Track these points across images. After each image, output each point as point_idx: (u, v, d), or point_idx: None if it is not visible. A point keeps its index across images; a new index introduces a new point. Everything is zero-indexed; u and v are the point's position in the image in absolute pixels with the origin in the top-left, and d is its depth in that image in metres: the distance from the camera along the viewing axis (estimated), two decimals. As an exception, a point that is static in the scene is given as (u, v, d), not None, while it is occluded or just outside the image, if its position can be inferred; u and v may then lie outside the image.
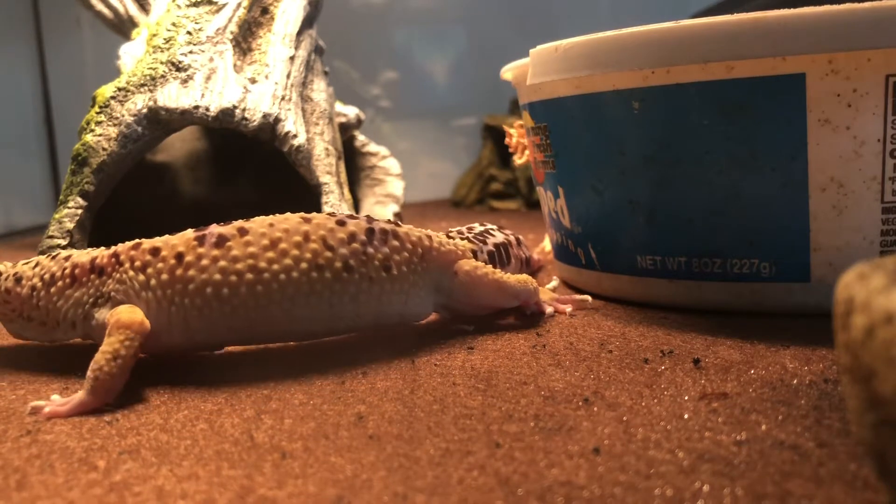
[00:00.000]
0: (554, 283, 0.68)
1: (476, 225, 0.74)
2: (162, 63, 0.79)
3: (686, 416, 0.41)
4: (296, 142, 0.77)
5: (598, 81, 0.62)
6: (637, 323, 0.61)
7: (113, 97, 0.77)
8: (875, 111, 0.54)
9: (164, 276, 0.51)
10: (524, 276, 0.63)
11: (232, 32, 0.83)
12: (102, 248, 0.55)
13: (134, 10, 0.99)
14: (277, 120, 0.77)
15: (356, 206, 1.08)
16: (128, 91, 0.77)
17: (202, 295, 0.51)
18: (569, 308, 0.65)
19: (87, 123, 0.76)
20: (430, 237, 0.59)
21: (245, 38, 0.85)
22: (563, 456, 0.37)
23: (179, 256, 0.51)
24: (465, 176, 1.83)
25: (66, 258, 0.55)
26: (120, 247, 0.54)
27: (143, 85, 0.78)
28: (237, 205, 1.03)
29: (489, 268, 0.61)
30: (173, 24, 0.84)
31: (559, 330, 0.60)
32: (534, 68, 0.68)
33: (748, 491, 0.33)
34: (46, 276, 0.54)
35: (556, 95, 0.67)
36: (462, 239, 0.66)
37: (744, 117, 0.57)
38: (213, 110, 0.75)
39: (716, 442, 0.38)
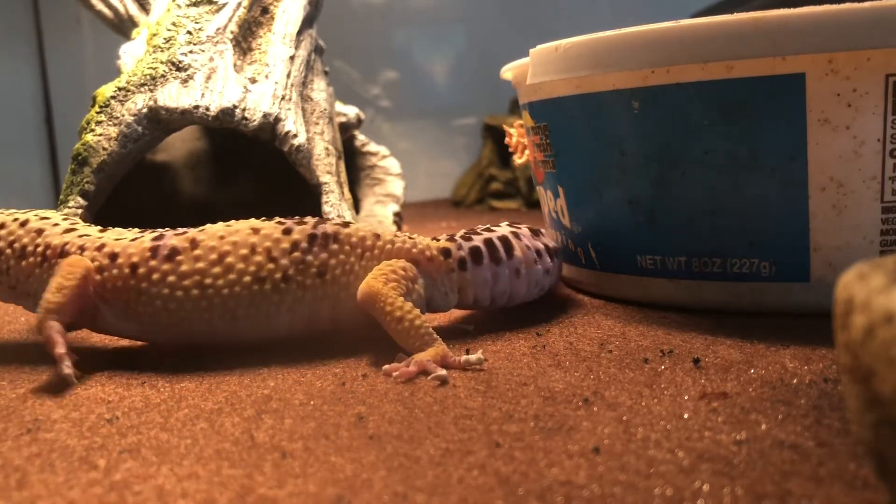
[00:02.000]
0: (477, 355, 0.52)
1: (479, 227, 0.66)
2: (162, 63, 0.79)
3: (686, 416, 0.41)
4: (296, 141, 0.77)
5: (598, 81, 0.63)
6: (637, 322, 0.62)
7: (113, 97, 0.77)
8: (875, 111, 0.54)
9: (119, 284, 0.54)
10: (410, 311, 0.52)
11: (232, 32, 0.83)
12: (76, 228, 0.57)
13: (134, 10, 0.99)
14: (277, 119, 0.77)
15: (356, 205, 1.08)
16: (128, 91, 0.77)
17: (152, 306, 0.53)
18: (442, 372, 0.49)
19: (88, 123, 0.76)
20: (377, 236, 0.57)
21: (245, 38, 0.85)
22: (562, 455, 0.37)
23: (133, 267, 0.53)
24: (465, 176, 1.83)
25: (38, 232, 0.57)
26: (87, 242, 0.55)
27: (143, 85, 0.78)
28: (237, 204, 1.03)
29: (379, 272, 0.54)
30: (173, 24, 0.84)
31: (559, 330, 0.60)
32: (534, 68, 0.68)
33: (748, 490, 0.33)
34: (17, 246, 0.56)
35: (555, 95, 0.67)
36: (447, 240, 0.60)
37: (744, 117, 0.57)
38: (214, 110, 0.75)
39: (716, 441, 0.38)
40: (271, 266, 0.53)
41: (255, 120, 0.76)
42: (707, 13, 1.35)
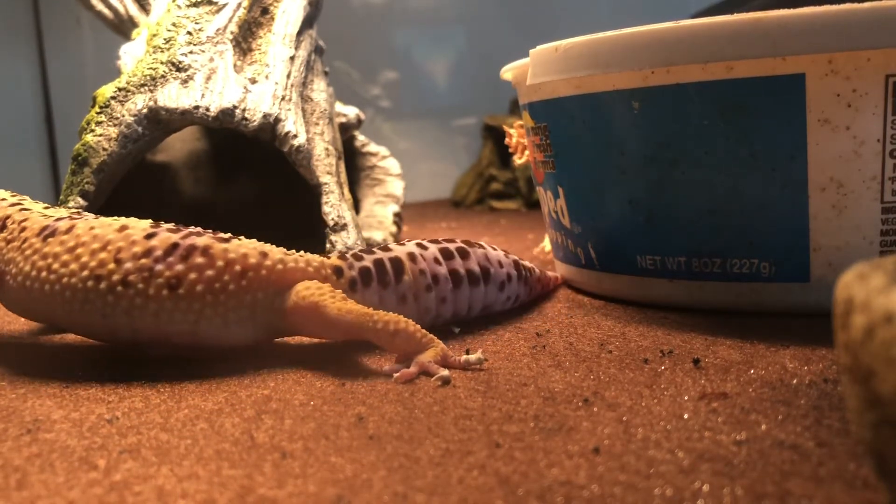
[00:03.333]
0: (477, 355, 0.52)
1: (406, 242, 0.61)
2: (162, 63, 0.79)
3: (686, 416, 0.41)
4: (296, 142, 0.77)
5: (598, 81, 0.63)
6: (637, 323, 0.61)
7: (113, 97, 0.77)
8: (875, 111, 0.54)
9: (8, 255, 0.56)
10: (396, 322, 0.51)
11: (232, 32, 0.83)
12: (22, 203, 0.60)
13: (134, 11, 0.99)
14: (277, 120, 0.77)
15: (356, 205, 1.08)
16: (128, 91, 0.77)
17: (16, 280, 0.55)
18: (444, 373, 0.49)
19: (88, 123, 0.76)
20: (265, 254, 0.54)
21: (245, 38, 0.85)
22: (562, 456, 0.37)
23: (24, 241, 0.55)
24: (465, 176, 1.83)
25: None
26: (17, 216, 0.57)
27: (143, 85, 0.78)
28: (237, 205, 1.03)
29: (328, 294, 0.53)
30: (173, 25, 0.84)
31: (559, 330, 0.60)
32: (534, 68, 0.68)
33: (748, 490, 0.33)
34: None
35: (556, 95, 0.67)
36: (339, 257, 0.58)
37: (743, 117, 0.57)
38: (214, 110, 0.75)
39: (715, 442, 0.38)
40: (112, 266, 0.52)
41: (255, 120, 0.76)
42: (707, 13, 1.35)
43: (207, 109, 0.76)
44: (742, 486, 0.33)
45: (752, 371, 0.48)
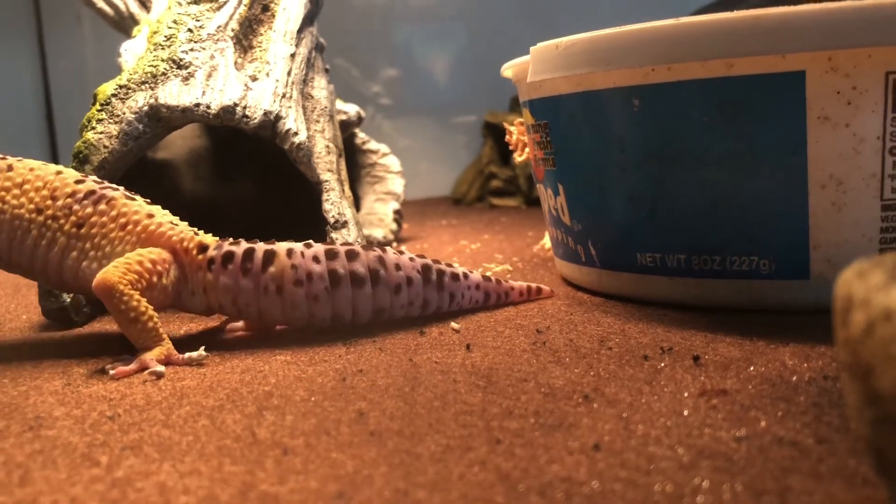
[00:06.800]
0: (199, 351, 0.55)
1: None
2: (163, 60, 0.79)
3: (686, 413, 0.41)
4: (297, 139, 0.77)
5: (599, 79, 0.63)
6: (637, 320, 0.62)
7: (114, 95, 0.77)
8: (875, 108, 0.55)
9: None
10: (139, 311, 0.54)
11: (233, 30, 0.83)
12: None
13: (135, 8, 0.99)
14: (278, 117, 0.77)
15: (357, 203, 1.08)
16: (129, 89, 0.77)
17: None
18: (160, 368, 0.53)
19: (88, 121, 0.76)
20: (150, 215, 0.59)
21: (246, 36, 0.85)
22: (563, 452, 0.37)
23: None
24: (465, 173, 1.83)
25: None
26: None
27: (144, 82, 0.78)
28: (238, 202, 1.03)
29: (122, 266, 0.55)
30: (174, 22, 0.84)
31: (559, 327, 0.60)
32: (534, 66, 0.68)
33: (748, 487, 0.33)
34: None
35: (556, 93, 0.67)
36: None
37: (743, 114, 0.57)
38: (214, 108, 0.76)
39: (715, 438, 0.38)
40: (49, 202, 0.58)
41: (255, 118, 0.76)
42: (707, 11, 1.35)
43: (208, 107, 0.76)
44: (742, 483, 0.33)
45: (751, 368, 0.48)
